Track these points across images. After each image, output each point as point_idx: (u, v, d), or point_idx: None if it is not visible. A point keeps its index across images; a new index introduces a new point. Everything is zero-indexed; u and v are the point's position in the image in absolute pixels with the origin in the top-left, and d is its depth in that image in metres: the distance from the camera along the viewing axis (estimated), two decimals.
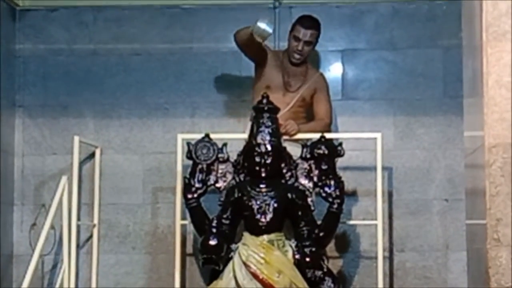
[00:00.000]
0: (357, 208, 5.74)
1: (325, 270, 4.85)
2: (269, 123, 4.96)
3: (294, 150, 5.10)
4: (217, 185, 5.05)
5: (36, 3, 6.02)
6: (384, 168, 5.39)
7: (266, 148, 4.90)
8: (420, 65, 5.88)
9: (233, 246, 4.87)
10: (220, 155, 5.07)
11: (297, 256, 4.83)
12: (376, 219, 5.24)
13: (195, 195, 5.03)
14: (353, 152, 5.56)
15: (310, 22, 5.41)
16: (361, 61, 5.94)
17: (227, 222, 4.91)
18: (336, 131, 5.71)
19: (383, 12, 5.93)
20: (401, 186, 5.80)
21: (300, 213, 4.92)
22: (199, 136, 5.14)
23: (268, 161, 4.91)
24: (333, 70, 5.93)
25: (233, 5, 5.90)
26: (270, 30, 5.06)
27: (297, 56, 5.45)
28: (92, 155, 5.86)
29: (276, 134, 4.96)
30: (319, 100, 5.51)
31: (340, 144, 5.05)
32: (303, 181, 5.01)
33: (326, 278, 4.87)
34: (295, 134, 5.24)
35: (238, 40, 5.36)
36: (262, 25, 5.04)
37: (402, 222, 5.77)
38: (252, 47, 5.34)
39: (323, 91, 5.53)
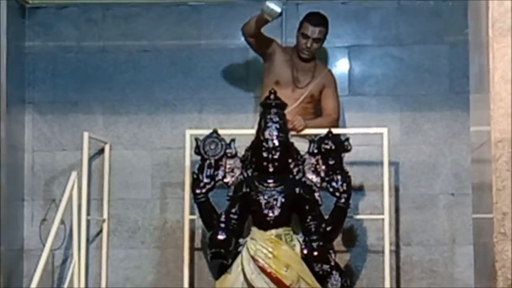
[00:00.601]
0: (364, 202, 5.75)
1: (332, 264, 4.86)
2: (277, 119, 4.96)
3: (302, 146, 5.11)
4: (225, 180, 5.06)
5: (46, 1, 6.02)
6: (390, 163, 5.40)
7: (274, 144, 4.92)
8: (426, 61, 5.88)
9: (241, 240, 4.89)
10: (228, 151, 5.08)
11: (304, 251, 4.85)
12: (383, 214, 5.25)
13: (204, 190, 5.03)
14: (360, 147, 5.56)
15: (318, 19, 5.42)
16: (367, 57, 5.95)
17: (235, 217, 4.92)
18: (343, 126, 5.71)
19: (389, 8, 5.93)
20: (407, 181, 5.81)
21: (307, 207, 4.93)
22: (207, 131, 5.15)
23: (276, 156, 4.92)
24: (340, 66, 5.94)
25: (241, 2, 5.90)
26: (278, 9, 5.09)
27: (306, 52, 5.46)
28: (102, 150, 5.88)
29: (283, 130, 4.97)
30: (327, 96, 5.52)
31: (347, 139, 5.05)
32: (311, 176, 5.01)
33: (334, 272, 4.88)
34: (302, 129, 5.26)
35: (245, 31, 5.40)
36: (271, 4, 5.07)
37: (409, 217, 5.79)
38: (259, 38, 5.38)
39: (331, 87, 5.55)
